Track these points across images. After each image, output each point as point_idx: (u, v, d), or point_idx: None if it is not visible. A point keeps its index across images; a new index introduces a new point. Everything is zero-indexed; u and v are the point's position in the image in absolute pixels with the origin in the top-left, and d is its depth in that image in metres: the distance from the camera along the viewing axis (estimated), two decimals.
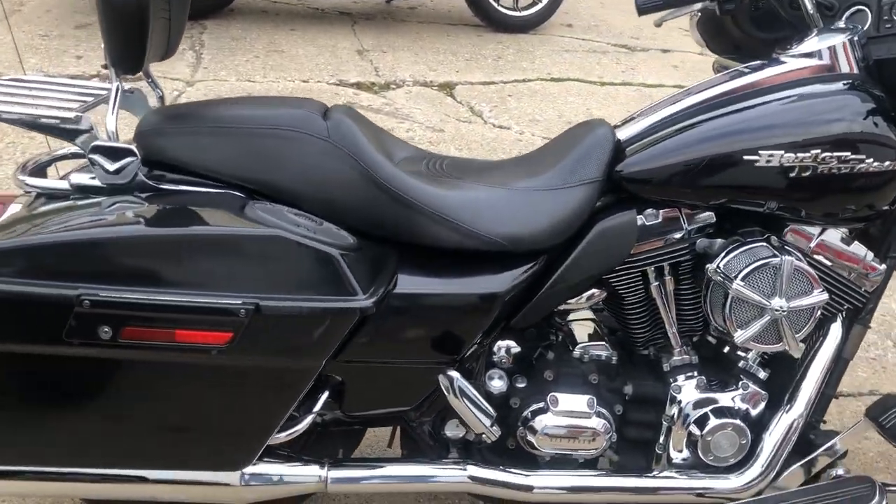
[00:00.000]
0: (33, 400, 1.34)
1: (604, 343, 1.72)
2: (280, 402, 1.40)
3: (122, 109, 1.57)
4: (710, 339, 1.75)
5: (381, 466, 1.61)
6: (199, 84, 4.12)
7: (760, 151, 1.51)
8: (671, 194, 1.59)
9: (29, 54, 4.20)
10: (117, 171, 1.41)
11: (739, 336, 1.56)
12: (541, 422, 1.63)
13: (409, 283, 1.47)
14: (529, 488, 1.62)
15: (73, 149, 1.66)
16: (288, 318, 1.30)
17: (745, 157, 1.52)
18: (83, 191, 1.43)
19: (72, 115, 1.43)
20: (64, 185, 1.45)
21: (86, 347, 1.26)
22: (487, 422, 1.57)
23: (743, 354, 1.71)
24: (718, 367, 1.73)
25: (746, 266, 1.54)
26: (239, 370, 1.33)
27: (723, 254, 1.57)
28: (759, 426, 1.69)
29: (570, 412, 1.63)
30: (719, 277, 1.55)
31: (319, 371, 1.41)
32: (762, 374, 1.71)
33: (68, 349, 1.27)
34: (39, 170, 1.59)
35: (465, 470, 1.62)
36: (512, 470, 1.64)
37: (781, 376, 1.72)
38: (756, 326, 1.56)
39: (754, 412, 1.69)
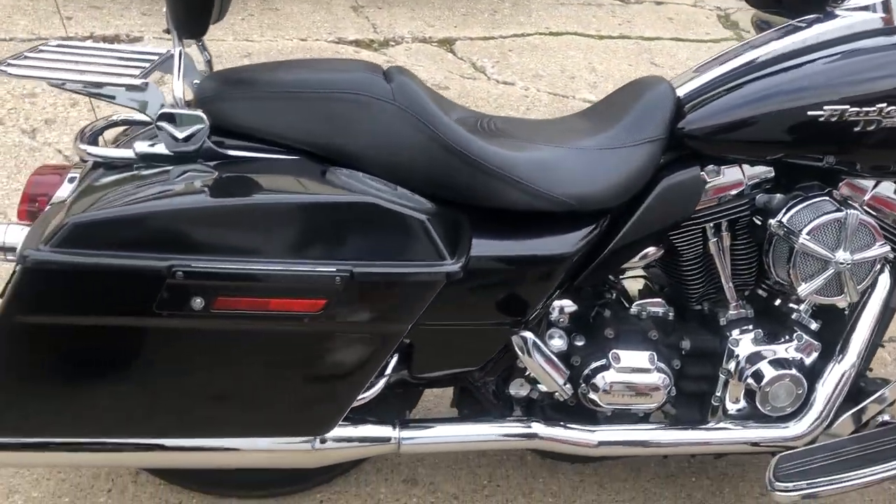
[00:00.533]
0: (118, 372, 1.33)
1: (660, 300, 1.75)
2: (366, 367, 1.41)
3: (169, 74, 1.56)
4: (761, 292, 1.78)
5: (450, 426, 1.63)
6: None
7: (825, 107, 1.52)
8: (733, 150, 1.60)
9: (18, 16, 4.08)
10: (186, 139, 1.39)
11: (803, 289, 1.58)
12: (603, 378, 1.65)
13: (482, 246, 1.47)
14: (594, 443, 1.66)
15: (124, 114, 1.64)
16: (380, 284, 1.30)
17: (809, 113, 1.53)
18: (148, 159, 1.41)
19: (138, 81, 1.39)
20: (128, 153, 1.42)
21: (176, 318, 1.26)
22: (561, 380, 1.60)
23: (795, 307, 1.75)
24: (772, 319, 1.76)
25: (811, 220, 1.56)
26: (327, 336, 1.33)
27: (785, 209, 1.60)
28: (812, 376, 1.72)
29: (632, 368, 1.66)
30: (783, 232, 1.57)
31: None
32: (814, 326, 1.74)
33: (158, 321, 1.26)
34: (94, 137, 1.57)
35: (530, 427, 1.64)
36: (575, 426, 1.67)
37: (832, 327, 1.76)
38: (820, 280, 1.58)
39: (809, 362, 1.73)
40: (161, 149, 1.40)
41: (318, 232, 1.28)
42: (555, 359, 1.59)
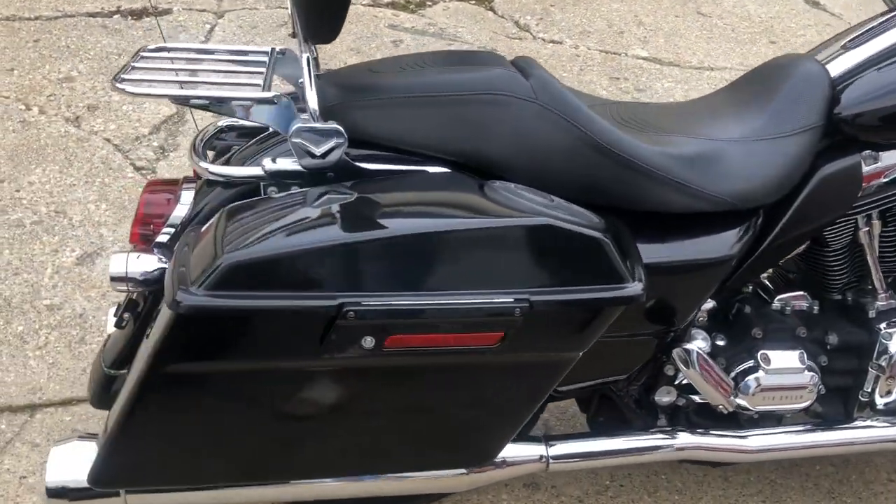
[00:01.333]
0: (276, 415, 1.23)
1: (802, 293, 1.64)
2: (535, 395, 1.31)
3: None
4: None
5: (597, 441, 1.54)
6: (228, 14, 3.85)
7: None
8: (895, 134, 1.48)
9: None
10: (324, 155, 1.27)
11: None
12: (754, 381, 1.56)
13: (643, 254, 1.36)
14: (747, 450, 1.57)
15: (226, 121, 1.52)
16: (559, 312, 1.19)
17: None
18: (277, 177, 1.29)
19: (270, 94, 1.26)
20: (256, 171, 1.30)
21: (343, 359, 1.15)
22: (728, 393, 1.50)
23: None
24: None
25: None
26: (499, 368, 1.23)
27: None
28: None
29: (783, 369, 1.56)
30: None
31: None
32: None
33: (321, 363, 1.15)
34: (205, 150, 1.45)
35: (681, 438, 1.55)
36: (727, 432, 1.58)
37: None
38: None
39: None
40: (292, 165, 1.28)
41: (491, 259, 1.17)
42: (721, 372, 1.49)
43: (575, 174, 1.35)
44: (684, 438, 1.55)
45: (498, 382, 1.26)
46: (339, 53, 3.57)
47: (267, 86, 1.31)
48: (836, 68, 1.50)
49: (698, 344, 1.49)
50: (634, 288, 1.21)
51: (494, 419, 1.32)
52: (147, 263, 1.35)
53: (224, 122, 1.51)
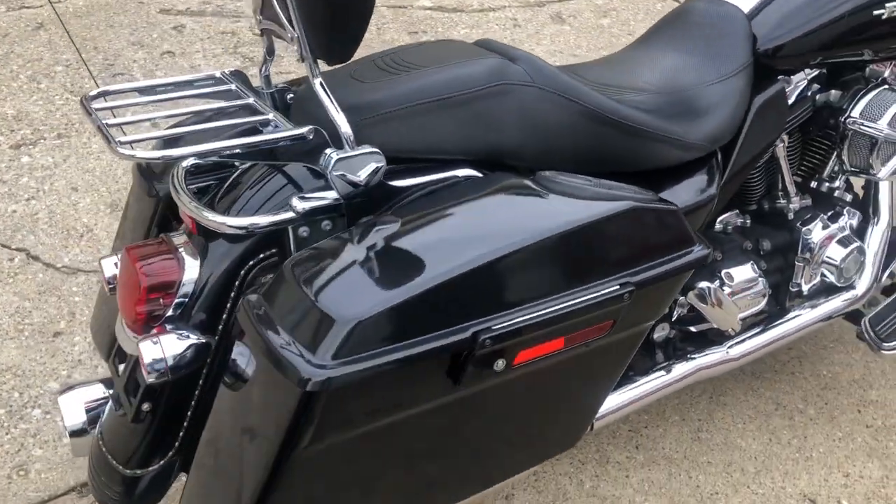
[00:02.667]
0: (414, 456, 1.16)
1: (735, 211, 1.82)
2: (619, 368, 1.34)
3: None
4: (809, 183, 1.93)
5: (620, 390, 1.62)
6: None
7: (887, 4, 1.62)
8: (806, 59, 1.67)
9: None
10: (367, 181, 1.18)
11: (884, 172, 1.73)
12: (723, 297, 1.72)
13: None
14: (734, 358, 1.74)
15: (190, 161, 1.36)
16: (654, 287, 1.22)
17: (874, 12, 1.63)
18: (312, 215, 1.18)
19: (304, 130, 1.15)
20: (286, 215, 1.17)
21: (476, 387, 1.11)
22: (739, 314, 1.64)
23: (834, 186, 1.91)
24: (823, 203, 1.91)
25: (887, 109, 1.69)
26: (598, 351, 1.24)
27: (853, 104, 1.71)
28: (862, 241, 1.92)
29: (743, 282, 1.74)
30: (860, 126, 1.70)
31: None
32: (850, 198, 1.92)
33: (455, 395, 1.10)
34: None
35: (677, 368, 1.68)
36: (712, 350, 1.73)
37: (861, 197, 1.95)
38: (892, 160, 1.74)
39: (858, 231, 1.91)
40: (326, 200, 1.18)
41: (590, 252, 1.17)
42: (730, 301, 1.62)
43: (581, 148, 1.38)
44: (685, 366, 1.68)
45: (595, 366, 1.29)
46: (123, 50, 3.23)
47: (280, 121, 1.20)
48: (747, 4, 1.65)
49: (706, 282, 1.62)
50: (704, 249, 1.29)
51: (588, 400, 1.35)
52: (175, 345, 1.20)
53: (188, 161, 1.34)
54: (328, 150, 1.17)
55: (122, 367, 1.34)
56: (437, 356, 1.05)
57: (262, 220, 1.18)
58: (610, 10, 3.98)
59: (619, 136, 1.40)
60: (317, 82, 1.17)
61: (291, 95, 1.39)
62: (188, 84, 1.34)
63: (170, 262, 1.23)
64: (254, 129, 1.23)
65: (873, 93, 1.72)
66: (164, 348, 1.17)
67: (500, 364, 1.10)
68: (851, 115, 1.71)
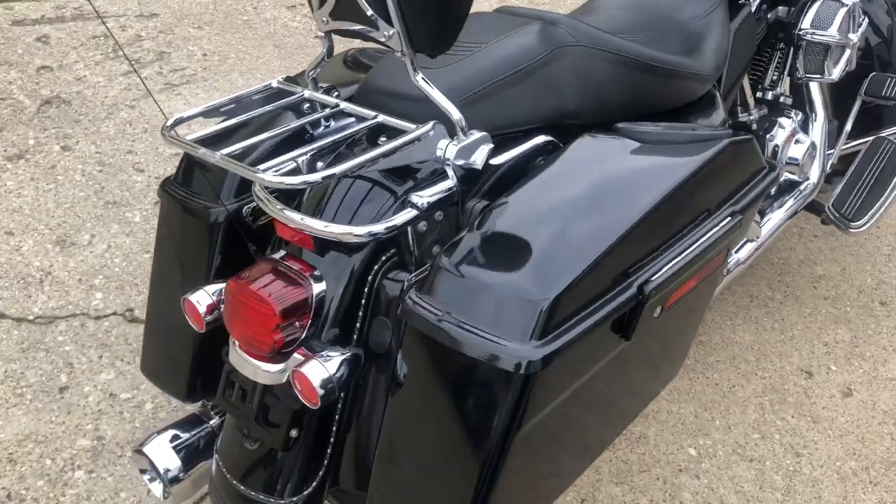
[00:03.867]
0: (583, 408, 1.22)
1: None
2: (715, 288, 1.45)
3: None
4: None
5: None
6: None
7: None
8: None
9: None
10: (483, 165, 1.21)
11: (836, 73, 1.93)
12: None
13: None
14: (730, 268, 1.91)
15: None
16: (749, 213, 1.33)
17: None
18: (433, 210, 1.20)
19: (427, 126, 1.15)
20: (409, 214, 1.17)
21: (638, 335, 1.17)
22: None
23: (778, 93, 2.10)
24: (773, 109, 2.10)
25: (833, 17, 1.87)
26: (709, 280, 1.34)
27: (802, 17, 1.89)
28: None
29: None
30: (812, 35, 1.88)
31: None
32: (791, 102, 2.13)
33: (625, 346, 1.17)
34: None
35: None
36: None
37: (798, 97, 2.16)
38: (843, 61, 1.94)
39: (803, 129, 2.12)
40: (444, 190, 1.20)
41: (706, 191, 1.25)
42: None
43: (627, 96, 1.47)
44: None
45: (703, 298, 1.39)
46: None
47: (392, 121, 1.20)
48: None
49: None
50: (774, 170, 1.41)
51: (693, 326, 1.45)
52: (335, 362, 1.19)
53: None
54: (442, 142, 1.18)
55: (242, 400, 1.30)
56: (613, 315, 1.11)
57: (390, 223, 1.17)
58: None
59: (657, 80, 1.49)
60: (419, 77, 1.16)
61: (337, 93, 1.37)
62: (254, 99, 1.30)
63: (295, 283, 1.20)
64: (373, 135, 1.23)
65: (818, 4, 1.90)
66: (328, 368, 1.15)
67: (658, 311, 1.18)
68: (802, 26, 1.89)
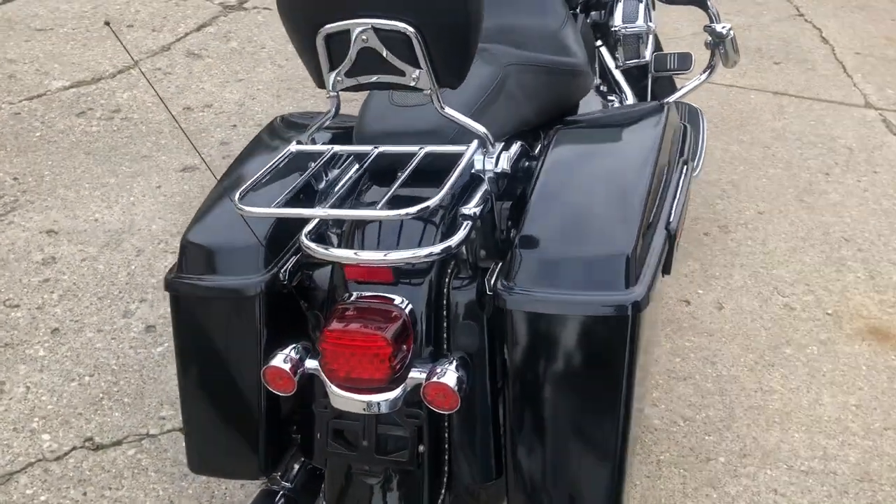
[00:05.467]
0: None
1: None
2: None
3: None
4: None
5: None
6: None
7: None
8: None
9: None
10: (510, 168, 1.37)
11: (647, 55, 2.35)
12: None
13: None
14: None
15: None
16: None
17: None
18: (482, 214, 1.32)
19: (473, 145, 1.31)
20: (468, 225, 1.30)
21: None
22: None
23: (597, 82, 2.50)
24: (600, 97, 2.48)
25: (637, 11, 2.29)
26: None
27: (613, 16, 2.28)
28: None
29: None
30: (625, 30, 2.28)
31: None
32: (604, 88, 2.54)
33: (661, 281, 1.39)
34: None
35: None
36: None
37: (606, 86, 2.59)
38: (650, 44, 2.36)
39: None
40: (481, 200, 1.33)
41: (669, 146, 1.53)
42: None
43: (554, 97, 1.70)
44: None
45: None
46: None
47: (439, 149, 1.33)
48: None
49: None
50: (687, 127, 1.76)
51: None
52: (455, 370, 1.25)
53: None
54: (477, 157, 1.33)
55: (356, 441, 1.36)
56: (663, 254, 1.35)
57: (459, 236, 1.24)
58: None
59: (570, 80, 1.77)
60: (447, 109, 1.28)
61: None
62: (286, 166, 1.36)
63: (387, 313, 1.25)
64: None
65: (621, 4, 2.31)
66: (456, 371, 1.23)
67: (678, 244, 1.46)
68: (616, 24, 2.28)
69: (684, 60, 2.48)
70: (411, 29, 1.17)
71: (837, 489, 1.94)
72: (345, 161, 1.44)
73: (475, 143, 1.32)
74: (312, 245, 1.24)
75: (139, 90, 3.58)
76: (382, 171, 1.38)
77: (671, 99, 2.75)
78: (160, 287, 2.47)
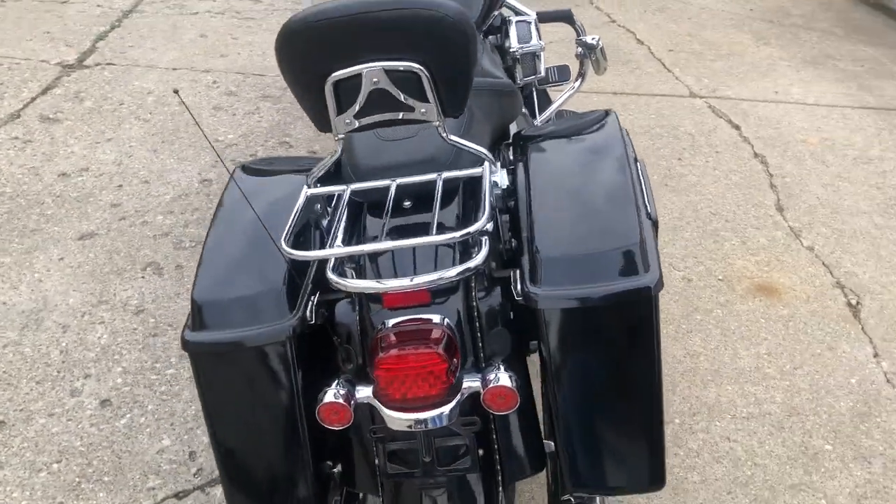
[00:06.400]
0: None
1: None
2: None
3: None
4: None
5: None
6: None
7: None
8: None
9: None
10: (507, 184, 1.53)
11: (541, 68, 2.55)
12: None
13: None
14: None
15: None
16: None
17: None
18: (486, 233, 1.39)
19: (487, 165, 1.42)
20: (487, 241, 1.36)
21: None
22: None
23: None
24: None
25: (529, 31, 2.48)
26: None
27: (508, 38, 2.46)
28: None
29: None
30: (522, 50, 2.47)
31: None
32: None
33: None
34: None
35: None
36: None
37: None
38: (543, 59, 2.56)
39: None
40: (490, 213, 1.41)
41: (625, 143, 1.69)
42: None
43: (505, 115, 1.90)
44: None
45: None
46: None
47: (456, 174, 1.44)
48: None
49: None
50: None
51: None
52: (505, 371, 1.34)
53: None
54: (485, 180, 1.42)
55: (418, 459, 1.43)
56: (656, 236, 1.52)
57: (483, 250, 1.33)
58: None
59: (513, 98, 1.94)
60: (452, 137, 1.40)
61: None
62: (307, 209, 1.42)
63: (431, 331, 1.32)
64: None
65: (513, 26, 2.50)
66: (510, 373, 1.32)
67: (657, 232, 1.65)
68: (513, 45, 2.46)
69: (564, 72, 2.72)
70: (421, 67, 1.27)
71: (775, 426, 2.24)
72: (340, 198, 1.46)
73: (487, 164, 1.43)
74: (346, 281, 1.30)
75: (3, 163, 3.36)
76: (386, 202, 1.44)
77: (553, 109, 2.99)
78: (102, 359, 2.38)
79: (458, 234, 1.28)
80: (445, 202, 1.52)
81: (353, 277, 1.38)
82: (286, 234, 1.32)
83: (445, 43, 1.28)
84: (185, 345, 1.35)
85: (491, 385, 1.31)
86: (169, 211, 3.06)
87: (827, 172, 3.52)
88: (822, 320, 2.63)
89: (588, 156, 1.61)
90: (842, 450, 2.17)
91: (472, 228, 1.28)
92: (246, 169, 1.70)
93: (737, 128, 3.86)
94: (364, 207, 1.51)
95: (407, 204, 1.49)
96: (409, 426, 1.32)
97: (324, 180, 1.47)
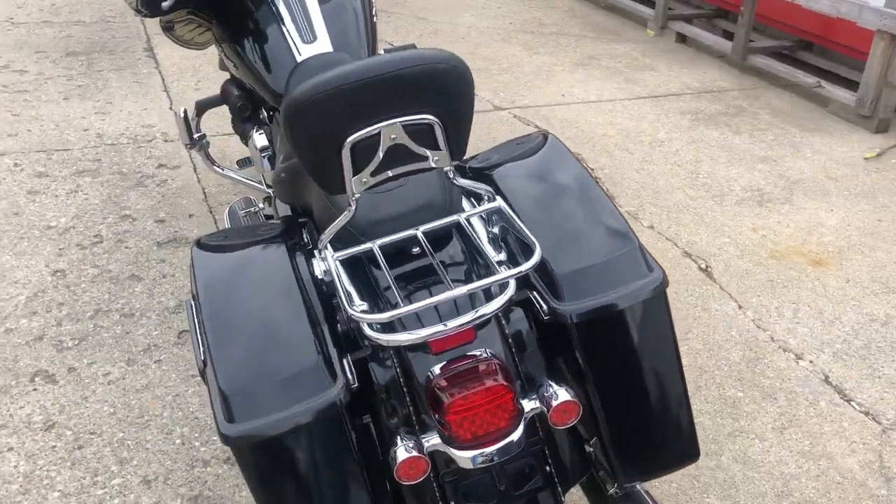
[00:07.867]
0: None
1: None
2: None
3: None
4: None
5: None
6: None
7: None
8: None
9: None
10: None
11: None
12: None
13: None
14: None
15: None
16: None
17: None
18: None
19: (498, 200, 1.48)
20: (501, 273, 1.40)
21: None
22: None
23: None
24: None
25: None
26: None
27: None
28: None
29: None
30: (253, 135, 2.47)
31: None
32: None
33: None
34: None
35: None
36: None
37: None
38: None
39: None
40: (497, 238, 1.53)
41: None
42: None
43: None
44: None
45: None
46: None
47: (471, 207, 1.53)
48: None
49: None
50: None
51: None
52: (563, 387, 1.40)
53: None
54: (507, 211, 1.47)
55: (492, 490, 1.45)
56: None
57: (518, 275, 1.38)
58: None
59: None
60: (458, 178, 1.46)
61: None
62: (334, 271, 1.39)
63: (482, 365, 1.35)
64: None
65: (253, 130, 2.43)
66: (566, 393, 1.39)
67: None
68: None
69: None
70: (435, 119, 1.32)
71: (693, 386, 2.49)
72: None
73: (498, 199, 1.49)
74: (396, 336, 1.34)
75: None
76: (398, 252, 1.48)
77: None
78: (29, 489, 2.09)
79: (515, 271, 1.33)
80: (459, 243, 1.57)
81: (392, 332, 1.37)
82: (344, 301, 1.30)
83: (456, 92, 1.34)
84: (227, 440, 1.26)
85: (554, 402, 1.38)
86: (31, 312, 2.74)
87: (634, 159, 3.94)
88: (687, 287, 2.97)
89: (552, 176, 1.67)
90: (751, 393, 2.49)
91: (528, 265, 1.35)
92: (204, 246, 1.61)
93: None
94: (370, 261, 1.49)
95: (416, 250, 1.51)
96: (486, 461, 1.34)
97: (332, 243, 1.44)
